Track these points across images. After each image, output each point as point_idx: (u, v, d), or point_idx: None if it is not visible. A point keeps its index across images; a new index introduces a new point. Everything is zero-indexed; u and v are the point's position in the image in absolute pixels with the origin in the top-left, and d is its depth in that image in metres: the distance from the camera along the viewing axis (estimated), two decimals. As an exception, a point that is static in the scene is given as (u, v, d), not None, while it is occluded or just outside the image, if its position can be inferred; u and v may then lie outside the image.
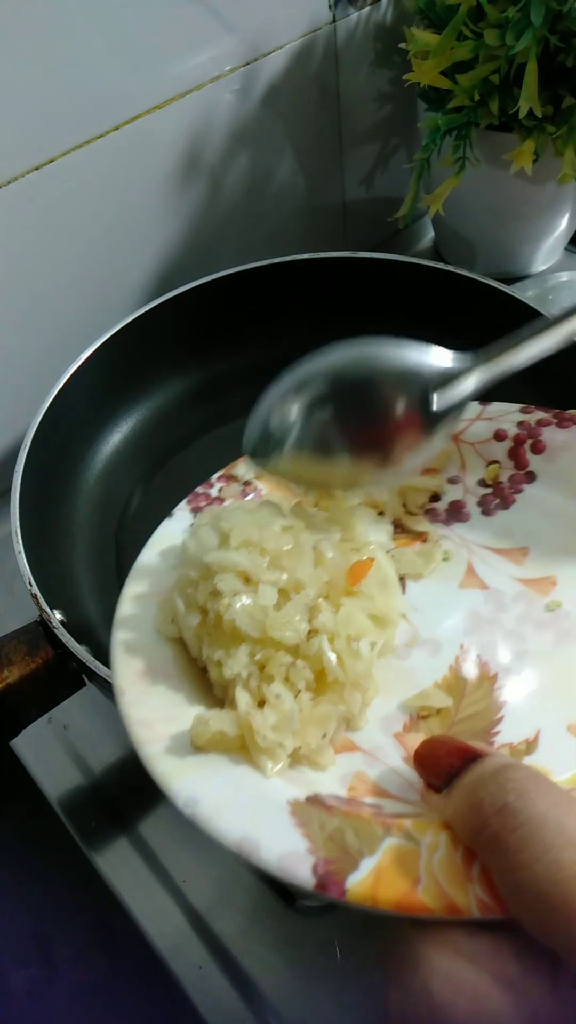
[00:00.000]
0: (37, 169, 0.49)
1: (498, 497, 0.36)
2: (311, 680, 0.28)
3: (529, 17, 0.47)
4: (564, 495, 0.35)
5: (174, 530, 0.35)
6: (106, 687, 0.38)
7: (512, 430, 0.36)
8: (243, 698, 0.27)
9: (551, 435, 0.36)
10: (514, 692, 0.29)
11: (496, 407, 0.37)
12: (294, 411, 0.31)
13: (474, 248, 0.69)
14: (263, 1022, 0.39)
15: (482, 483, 0.37)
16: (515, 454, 0.36)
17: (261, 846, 0.23)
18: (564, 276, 0.66)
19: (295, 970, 0.41)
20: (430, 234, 0.77)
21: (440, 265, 0.54)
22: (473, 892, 0.21)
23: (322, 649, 0.28)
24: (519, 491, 0.36)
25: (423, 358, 0.30)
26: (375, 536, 0.33)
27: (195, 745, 0.26)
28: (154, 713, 0.28)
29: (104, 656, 0.38)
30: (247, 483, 0.37)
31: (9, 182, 0.48)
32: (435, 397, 0.29)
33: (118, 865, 0.45)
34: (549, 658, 0.30)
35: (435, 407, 0.29)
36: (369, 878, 0.22)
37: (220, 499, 0.37)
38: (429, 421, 0.30)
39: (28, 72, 0.46)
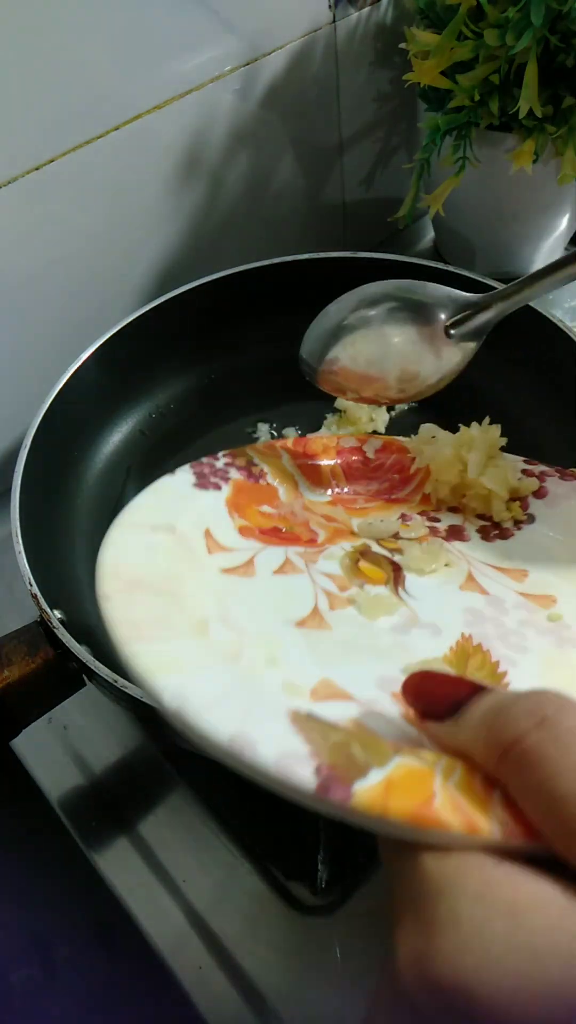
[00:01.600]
0: (37, 169, 0.49)
1: (497, 530, 0.38)
2: None
3: (529, 17, 0.47)
4: (564, 535, 0.37)
5: (173, 483, 0.37)
6: (106, 687, 0.38)
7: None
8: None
9: (554, 485, 0.38)
10: (516, 679, 0.29)
11: (505, 458, 0.39)
12: (340, 321, 0.38)
13: (474, 248, 0.69)
14: (263, 1022, 0.39)
15: (481, 516, 0.38)
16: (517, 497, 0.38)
17: (257, 743, 0.21)
18: (564, 276, 0.66)
19: (295, 970, 0.41)
20: (430, 234, 0.77)
21: (440, 265, 0.54)
22: (495, 814, 0.19)
23: None
24: (519, 529, 0.37)
25: (451, 292, 0.38)
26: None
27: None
28: (139, 616, 0.27)
29: (104, 656, 0.38)
30: (253, 465, 0.39)
31: (9, 182, 0.48)
32: (457, 320, 0.36)
33: (118, 865, 0.45)
34: (552, 657, 0.30)
35: (458, 329, 0.36)
36: (379, 787, 0.19)
37: (224, 471, 0.39)
38: (453, 339, 0.36)
39: (28, 72, 0.46)
